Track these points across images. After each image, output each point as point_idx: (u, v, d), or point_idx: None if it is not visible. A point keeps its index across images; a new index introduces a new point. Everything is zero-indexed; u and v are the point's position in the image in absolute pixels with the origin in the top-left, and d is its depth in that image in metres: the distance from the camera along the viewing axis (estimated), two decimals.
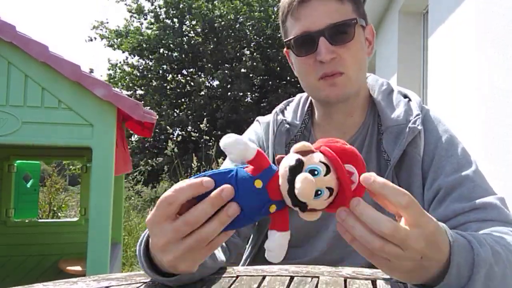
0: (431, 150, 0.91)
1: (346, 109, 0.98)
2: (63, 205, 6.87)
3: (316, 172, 0.53)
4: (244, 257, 1.12)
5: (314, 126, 1.05)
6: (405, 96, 1.01)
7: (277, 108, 1.11)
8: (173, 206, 0.56)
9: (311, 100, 1.08)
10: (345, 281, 0.73)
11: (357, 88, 0.96)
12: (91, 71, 12.17)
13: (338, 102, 0.95)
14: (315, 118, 1.05)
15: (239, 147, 0.56)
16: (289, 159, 0.55)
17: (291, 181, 0.54)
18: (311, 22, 0.89)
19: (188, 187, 0.56)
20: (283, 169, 0.55)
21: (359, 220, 0.55)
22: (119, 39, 13.26)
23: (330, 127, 1.02)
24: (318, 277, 0.75)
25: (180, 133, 12.70)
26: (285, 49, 1.03)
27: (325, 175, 0.54)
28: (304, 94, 1.12)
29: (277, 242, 0.58)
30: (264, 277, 0.75)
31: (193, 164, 5.88)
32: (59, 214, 6.74)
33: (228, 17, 12.46)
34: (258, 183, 0.56)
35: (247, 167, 0.58)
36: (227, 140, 0.56)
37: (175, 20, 13.14)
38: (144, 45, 12.86)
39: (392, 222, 0.53)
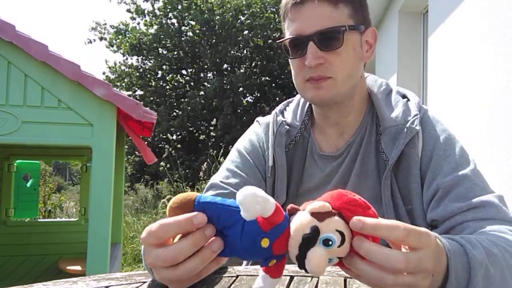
0: (429, 150, 0.91)
1: (341, 110, 0.98)
2: (58, 205, 6.88)
3: (330, 243, 0.51)
4: None
5: (314, 127, 1.05)
6: (404, 96, 1.01)
7: (277, 109, 1.11)
8: (160, 240, 0.54)
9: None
10: (345, 281, 0.73)
11: (346, 92, 0.94)
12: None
13: (324, 105, 0.96)
14: (314, 118, 1.05)
15: (259, 202, 0.50)
16: (304, 225, 0.51)
17: (302, 252, 0.51)
18: (302, 26, 0.90)
19: (175, 225, 0.53)
20: (296, 234, 0.52)
21: (364, 259, 0.53)
22: (118, 39, 13.23)
23: (328, 128, 1.02)
24: (318, 277, 0.74)
25: (179, 133, 12.70)
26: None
27: (339, 246, 0.52)
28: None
29: (268, 286, 0.56)
30: None
31: (203, 167, 5.89)
32: (54, 213, 6.74)
33: (228, 15, 12.45)
34: (265, 243, 0.52)
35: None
36: (245, 193, 0.50)
37: (174, 20, 13.14)
38: (143, 45, 12.85)
39: (402, 254, 0.52)
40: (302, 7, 0.90)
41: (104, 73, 13.38)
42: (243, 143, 1.07)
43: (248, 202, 0.50)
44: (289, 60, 0.97)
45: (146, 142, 12.30)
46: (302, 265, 0.52)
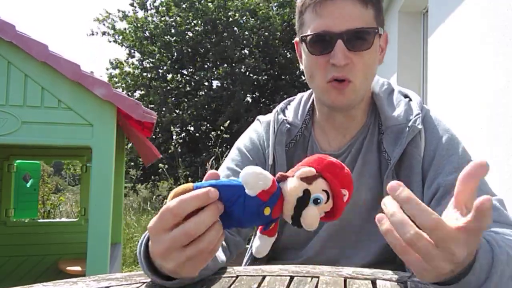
0: (432, 149, 0.90)
1: (350, 113, 0.98)
2: (57, 205, 6.88)
3: (319, 201, 0.59)
4: (246, 257, 1.12)
5: (315, 126, 1.05)
6: (406, 96, 1.01)
7: (278, 107, 1.10)
8: (178, 218, 0.56)
9: (312, 100, 1.08)
10: (345, 281, 0.73)
11: (361, 96, 0.95)
12: (91, 73, 12.09)
13: (338, 109, 0.96)
14: (316, 117, 1.05)
15: (260, 178, 0.57)
16: (297, 189, 0.59)
17: (298, 211, 0.59)
18: (332, 22, 0.86)
19: (194, 199, 0.55)
20: (290, 197, 0.59)
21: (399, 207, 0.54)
22: (121, 28, 13.13)
23: (331, 128, 1.02)
24: (318, 277, 0.74)
25: (180, 131, 12.69)
26: (296, 39, 1.00)
27: (325, 202, 0.60)
28: (305, 94, 1.11)
29: (267, 245, 0.64)
30: (264, 277, 0.75)
31: (208, 164, 5.90)
32: (54, 214, 6.75)
33: (229, 14, 12.45)
34: (267, 211, 0.59)
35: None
36: (248, 172, 0.57)
37: (178, 18, 13.11)
38: (146, 34, 12.81)
39: (435, 216, 0.51)
40: (332, 2, 0.86)
41: (107, 69, 13.31)
42: (243, 141, 1.07)
43: (252, 181, 0.56)
44: (307, 57, 0.93)
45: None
46: (297, 223, 0.60)
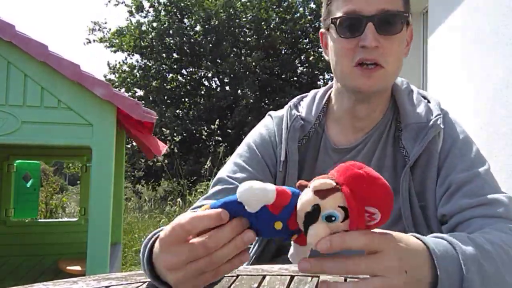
0: (447, 148, 0.91)
1: (372, 104, 0.96)
2: (60, 205, 6.88)
3: (333, 219, 0.52)
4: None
5: (329, 122, 1.04)
6: (424, 98, 1.02)
7: (291, 103, 1.08)
8: (188, 233, 0.57)
9: (328, 96, 1.06)
10: (345, 280, 0.72)
11: (390, 86, 0.95)
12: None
13: (368, 95, 0.93)
14: (330, 114, 1.04)
15: (257, 195, 0.53)
16: (306, 203, 0.53)
17: (305, 227, 0.54)
18: (363, 4, 0.86)
19: (206, 218, 0.55)
20: (300, 211, 0.54)
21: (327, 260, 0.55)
22: (118, 39, 13.17)
23: (350, 121, 1.00)
24: (318, 276, 0.74)
25: (180, 131, 12.69)
26: (321, 30, 1.00)
27: (342, 221, 0.53)
28: (320, 90, 1.10)
29: (299, 253, 0.60)
30: (264, 276, 0.75)
31: (206, 166, 5.92)
32: (57, 214, 6.74)
33: (226, 14, 12.43)
34: (278, 225, 0.56)
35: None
36: (242, 190, 0.53)
37: (175, 18, 13.11)
38: (144, 43, 12.81)
39: (364, 232, 0.54)
40: None
41: (105, 76, 13.32)
42: (253, 137, 1.05)
43: (248, 198, 0.53)
44: (336, 41, 0.92)
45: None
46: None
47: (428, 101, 1.00)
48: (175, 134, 11.72)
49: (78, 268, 3.48)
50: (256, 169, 0.98)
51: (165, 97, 12.94)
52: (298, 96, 1.12)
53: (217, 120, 6.79)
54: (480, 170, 0.87)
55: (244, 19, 12.93)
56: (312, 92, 1.10)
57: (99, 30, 13.43)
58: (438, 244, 0.61)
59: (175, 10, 13.12)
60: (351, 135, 1.00)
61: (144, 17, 13.61)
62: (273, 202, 0.54)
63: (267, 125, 1.07)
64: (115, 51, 13.33)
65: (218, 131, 9.16)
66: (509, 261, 0.67)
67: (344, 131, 1.01)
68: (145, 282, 0.74)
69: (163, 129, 8.12)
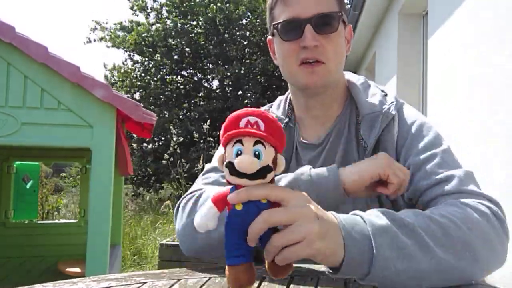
0: (405, 132, 0.95)
1: (325, 101, 1.02)
2: (55, 207, 6.87)
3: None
4: None
5: (297, 120, 1.10)
6: (382, 91, 1.06)
7: (262, 109, 1.13)
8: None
9: (290, 97, 1.12)
10: (345, 281, 0.73)
11: (335, 80, 1.00)
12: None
13: (315, 90, 0.99)
14: (295, 114, 1.10)
15: (204, 223, 0.61)
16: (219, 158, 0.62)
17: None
18: (300, 9, 0.93)
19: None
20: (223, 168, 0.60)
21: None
22: (121, 36, 13.09)
23: (310, 119, 1.06)
24: (318, 277, 0.74)
25: (180, 132, 12.68)
26: (268, 37, 1.07)
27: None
28: (284, 95, 1.16)
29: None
30: (264, 277, 0.75)
31: (198, 165, 5.91)
32: (52, 215, 6.74)
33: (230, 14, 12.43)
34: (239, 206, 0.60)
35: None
36: (196, 226, 0.62)
37: (178, 19, 13.10)
38: (146, 42, 12.78)
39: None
40: None
41: (106, 77, 13.30)
42: None
43: (202, 227, 0.60)
44: (279, 46, 0.99)
45: (145, 143, 12.30)
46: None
47: (386, 95, 1.04)
48: (174, 136, 11.72)
49: (77, 269, 3.48)
50: None
51: (165, 99, 12.94)
52: (266, 106, 1.19)
53: (208, 121, 6.78)
54: (437, 150, 0.89)
55: (246, 21, 12.95)
56: (278, 99, 1.17)
57: (100, 30, 13.40)
58: (348, 217, 0.66)
59: (177, 12, 13.10)
60: (315, 130, 1.05)
61: (147, 18, 13.59)
62: (221, 210, 0.60)
63: None
64: (117, 47, 13.22)
65: (214, 133, 9.16)
66: (444, 232, 0.69)
67: (308, 127, 1.07)
68: (145, 282, 0.74)
69: (171, 126, 8.06)
